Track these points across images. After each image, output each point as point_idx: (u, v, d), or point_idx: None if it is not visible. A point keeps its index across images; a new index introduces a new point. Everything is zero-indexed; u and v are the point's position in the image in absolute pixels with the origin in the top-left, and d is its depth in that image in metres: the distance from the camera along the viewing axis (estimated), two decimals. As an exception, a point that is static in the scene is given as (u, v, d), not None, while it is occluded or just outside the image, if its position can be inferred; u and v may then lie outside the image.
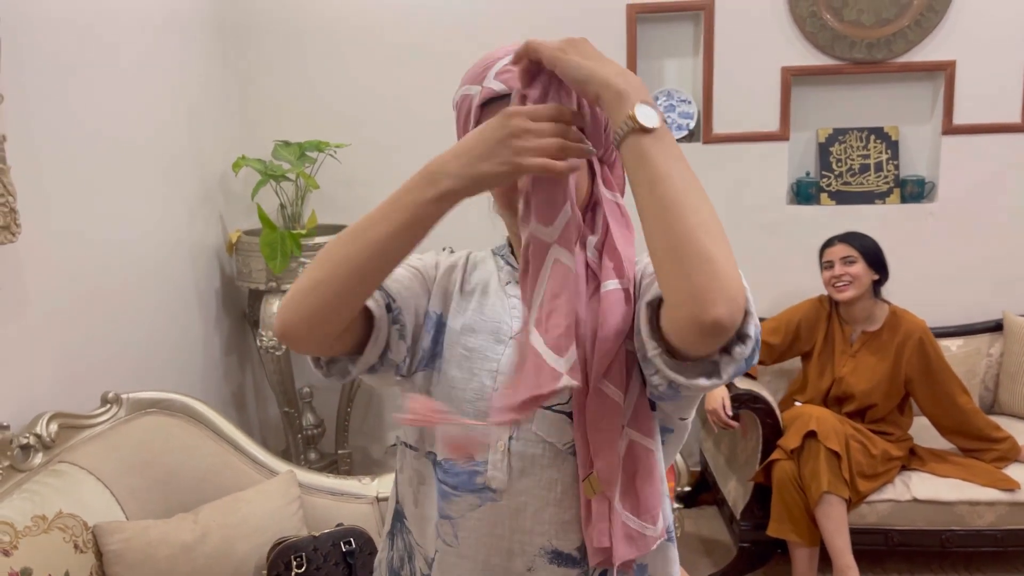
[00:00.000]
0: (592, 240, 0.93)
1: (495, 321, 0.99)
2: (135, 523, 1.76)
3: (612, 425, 0.89)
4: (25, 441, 1.71)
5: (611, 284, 0.90)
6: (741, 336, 0.78)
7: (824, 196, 3.08)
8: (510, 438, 0.96)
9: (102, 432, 1.88)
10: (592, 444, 0.89)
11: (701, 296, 0.72)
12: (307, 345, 0.88)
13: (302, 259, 2.69)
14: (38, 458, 1.73)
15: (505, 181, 0.82)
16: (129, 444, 1.90)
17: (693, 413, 1.00)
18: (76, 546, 1.62)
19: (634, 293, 0.91)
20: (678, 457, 2.54)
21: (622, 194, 0.98)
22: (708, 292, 0.72)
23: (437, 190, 0.81)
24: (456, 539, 0.98)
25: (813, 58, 2.96)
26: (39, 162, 1.86)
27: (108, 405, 1.94)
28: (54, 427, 1.77)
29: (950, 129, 2.98)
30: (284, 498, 1.94)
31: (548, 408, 0.92)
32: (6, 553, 1.45)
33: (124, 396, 1.97)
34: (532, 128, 0.79)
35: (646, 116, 0.76)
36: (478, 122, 0.93)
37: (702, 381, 0.81)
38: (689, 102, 3.05)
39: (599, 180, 0.96)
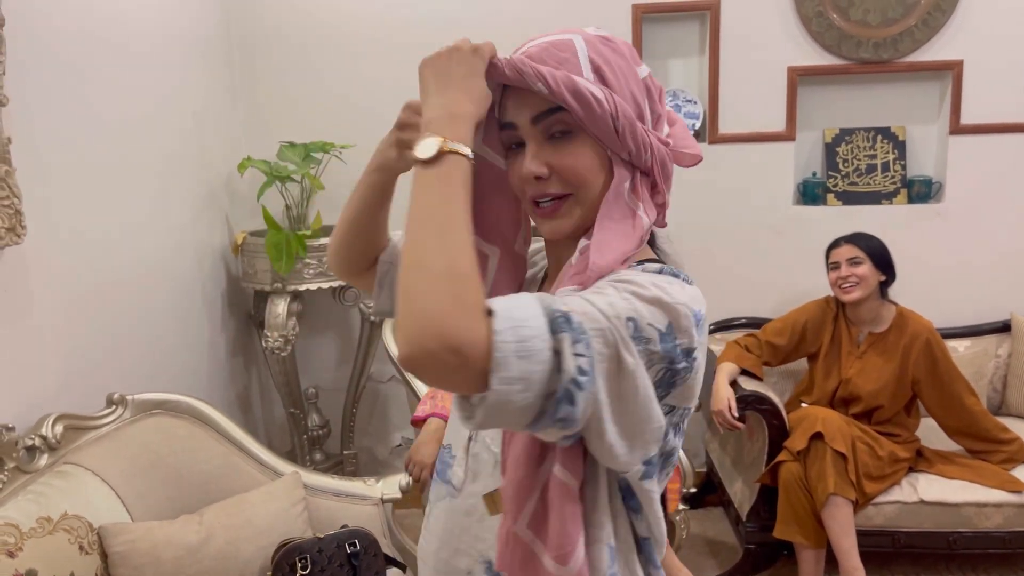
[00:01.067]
0: (582, 243, 0.86)
1: None
2: (140, 524, 1.76)
3: (523, 444, 0.83)
4: (30, 442, 1.72)
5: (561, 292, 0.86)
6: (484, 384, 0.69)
7: (831, 196, 3.07)
8: (469, 438, 0.97)
9: (107, 433, 1.89)
10: (504, 460, 0.87)
11: (396, 328, 0.70)
12: (340, 274, 1.19)
13: (307, 260, 2.69)
14: (43, 459, 1.73)
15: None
16: (134, 445, 1.90)
17: (640, 474, 0.84)
18: (81, 547, 1.62)
19: None
20: (684, 458, 2.53)
21: (657, 201, 0.91)
22: (398, 327, 0.69)
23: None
24: (428, 522, 1.03)
25: (819, 58, 2.95)
26: (44, 164, 1.87)
27: (113, 406, 1.94)
28: (59, 428, 1.77)
29: (957, 129, 2.97)
30: (289, 499, 1.94)
31: None
32: (11, 555, 1.45)
33: (129, 397, 1.97)
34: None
35: (422, 148, 0.77)
36: None
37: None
38: (695, 102, 3.04)
39: (618, 179, 0.86)
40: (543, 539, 0.82)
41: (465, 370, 0.67)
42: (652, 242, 0.98)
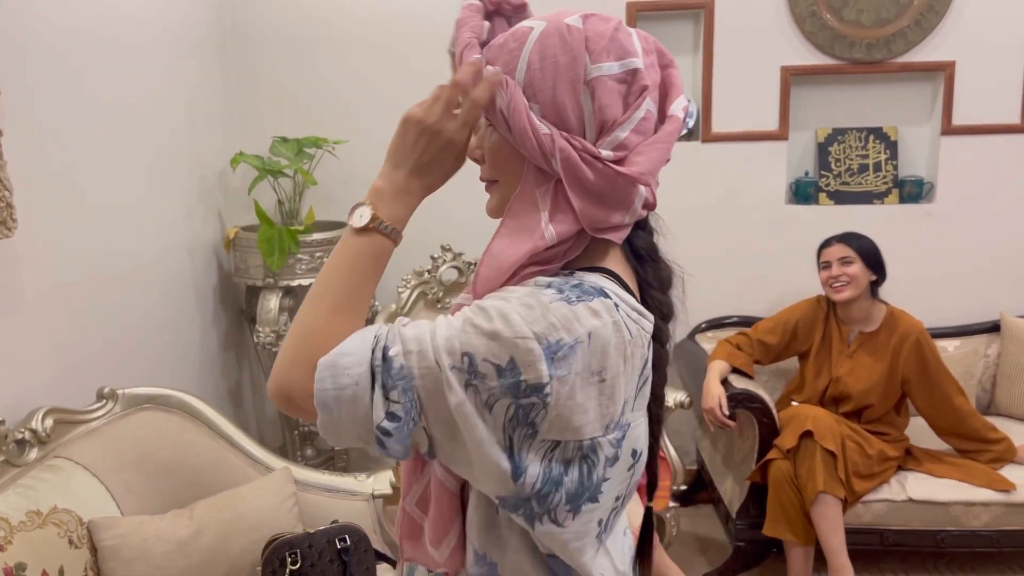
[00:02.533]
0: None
1: None
2: (130, 519, 1.76)
3: None
4: (20, 436, 1.71)
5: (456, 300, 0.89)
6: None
7: (823, 196, 3.08)
8: None
9: (98, 427, 1.88)
10: None
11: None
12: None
13: (300, 255, 2.68)
14: (33, 453, 1.73)
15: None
16: (125, 440, 1.90)
17: (487, 489, 0.81)
18: (71, 541, 1.62)
19: None
20: (674, 455, 2.55)
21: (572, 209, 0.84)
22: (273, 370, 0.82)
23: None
24: None
25: (813, 58, 2.96)
26: (36, 157, 1.86)
27: (104, 400, 1.94)
28: (49, 422, 1.76)
29: (949, 130, 2.98)
30: (279, 495, 1.94)
31: None
32: (1, 548, 1.45)
33: (120, 391, 1.97)
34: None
35: (356, 216, 0.85)
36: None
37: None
38: (689, 100, 3.04)
39: (529, 179, 0.85)
40: (424, 512, 0.90)
41: (302, 413, 0.80)
42: (633, 231, 0.90)
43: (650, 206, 0.90)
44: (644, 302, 0.87)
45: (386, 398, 0.75)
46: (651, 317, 0.85)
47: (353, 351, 0.77)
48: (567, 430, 0.77)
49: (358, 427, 0.76)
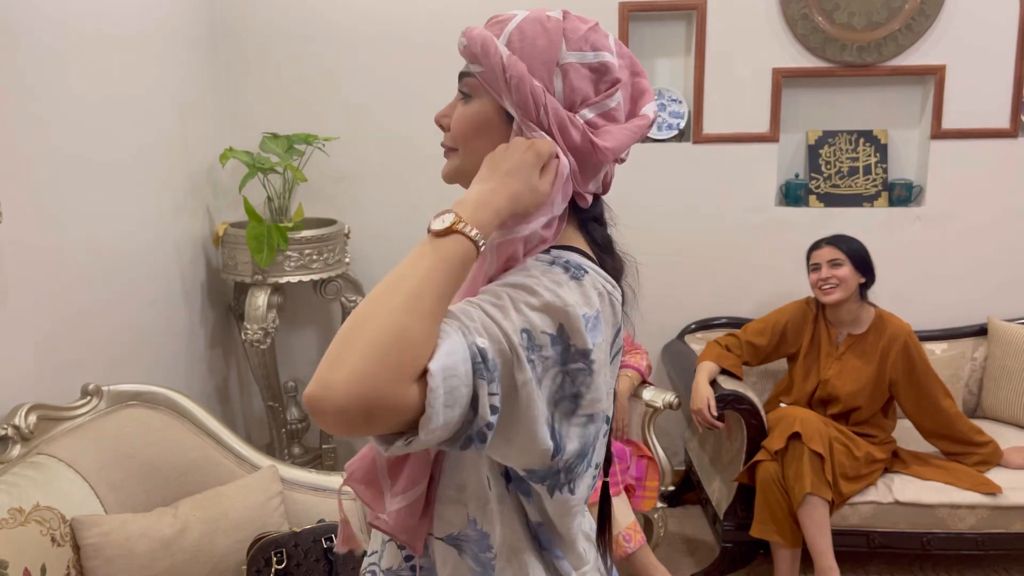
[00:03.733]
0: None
1: None
2: (114, 517, 1.74)
3: None
4: (3, 432, 1.69)
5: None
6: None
7: (813, 198, 3.08)
8: None
9: (82, 424, 1.87)
10: None
11: (322, 366, 0.71)
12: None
13: (288, 252, 2.67)
14: (16, 450, 1.71)
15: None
16: (109, 437, 1.88)
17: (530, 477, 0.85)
18: (53, 539, 1.60)
19: None
20: (662, 456, 2.55)
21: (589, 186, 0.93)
22: (324, 366, 0.70)
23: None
24: None
25: (804, 60, 2.96)
26: (23, 151, 1.84)
27: (88, 397, 1.92)
28: (33, 418, 1.75)
29: (939, 133, 2.99)
30: (266, 493, 1.93)
31: None
32: (-19, 546, 1.43)
33: (105, 388, 1.95)
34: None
35: (438, 221, 0.79)
36: None
37: None
38: (680, 101, 3.04)
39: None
40: (391, 474, 0.89)
41: (382, 425, 0.70)
42: (588, 224, 0.96)
43: (605, 187, 0.96)
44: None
45: (489, 393, 0.73)
46: (619, 288, 0.91)
47: (453, 350, 0.71)
48: (599, 401, 0.82)
49: (454, 428, 0.72)
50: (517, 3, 2.88)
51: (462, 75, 0.94)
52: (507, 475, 0.88)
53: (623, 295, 0.94)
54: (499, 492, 0.88)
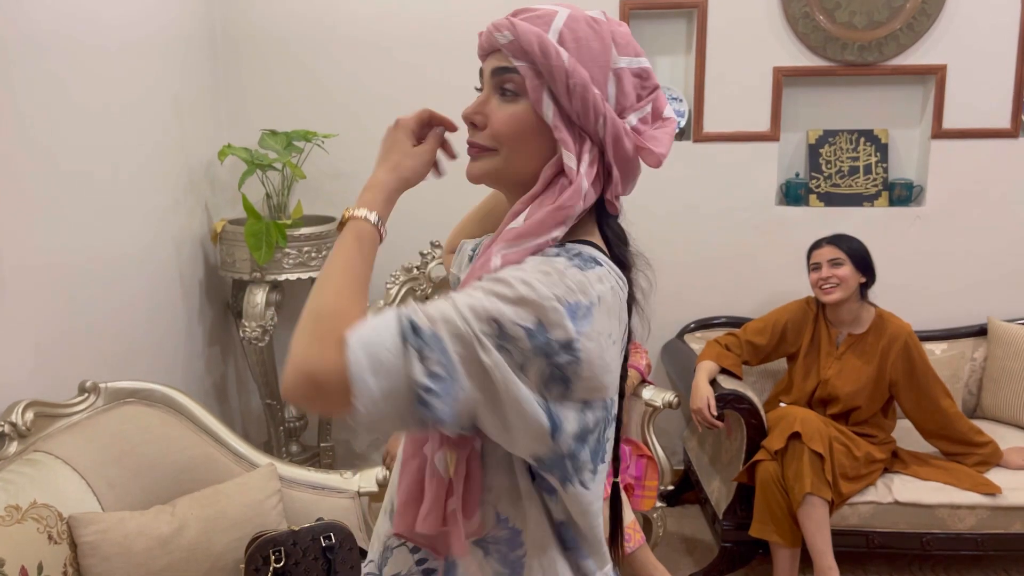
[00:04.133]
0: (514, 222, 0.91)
1: None
2: (111, 514, 1.73)
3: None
4: (0, 429, 1.68)
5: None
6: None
7: (813, 197, 3.08)
8: None
9: (79, 421, 1.86)
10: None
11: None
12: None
13: (287, 250, 2.66)
14: (13, 447, 1.70)
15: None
16: (107, 434, 1.87)
17: (546, 468, 0.86)
18: (50, 537, 1.59)
19: None
20: (662, 455, 2.54)
21: (615, 188, 0.93)
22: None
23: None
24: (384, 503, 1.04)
25: (805, 59, 2.96)
26: (20, 147, 1.83)
27: (86, 394, 1.91)
28: (30, 415, 1.74)
29: (939, 133, 2.99)
30: (264, 491, 1.92)
31: None
32: (-23, 543, 1.42)
33: (102, 385, 1.94)
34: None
35: (356, 209, 0.93)
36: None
37: None
38: (680, 100, 3.04)
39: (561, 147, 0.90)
40: (450, 487, 0.88)
41: (329, 397, 0.74)
42: (606, 221, 0.96)
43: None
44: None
45: (423, 363, 0.74)
46: (626, 284, 0.92)
47: (379, 324, 0.76)
48: (597, 389, 0.82)
49: (397, 399, 0.74)
50: (518, 4, 2.88)
51: (500, 70, 0.90)
52: (532, 473, 0.88)
53: (632, 291, 0.95)
54: (526, 488, 0.88)
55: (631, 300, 0.94)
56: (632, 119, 0.91)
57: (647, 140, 0.91)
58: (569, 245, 0.88)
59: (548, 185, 0.90)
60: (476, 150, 0.94)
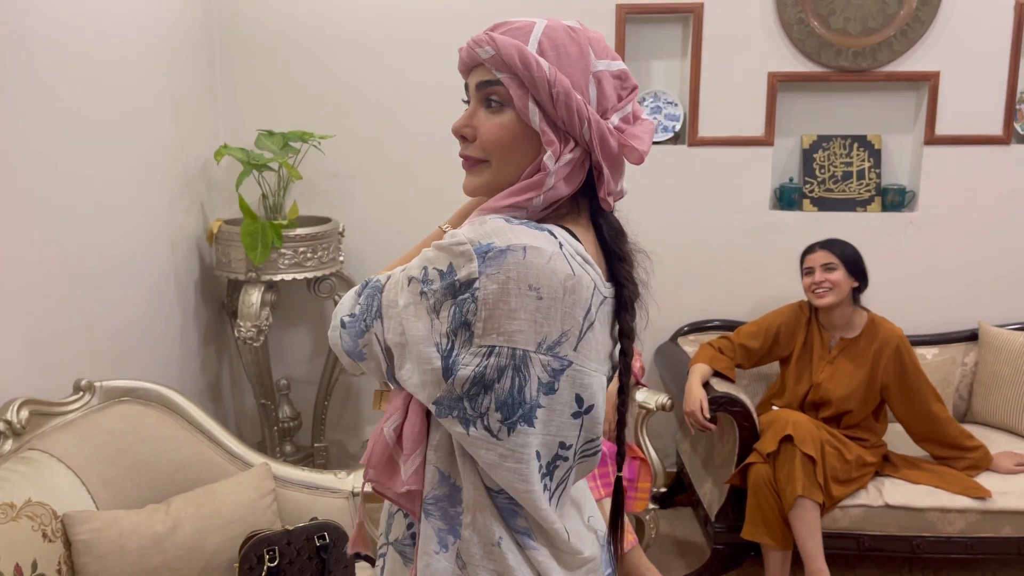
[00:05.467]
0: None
1: None
2: (105, 513, 1.74)
3: None
4: (-5, 427, 1.69)
5: None
6: None
7: (807, 202, 3.10)
8: None
9: (74, 420, 1.86)
10: None
11: None
12: None
13: (283, 250, 2.67)
14: (8, 445, 1.70)
15: None
16: (101, 432, 1.87)
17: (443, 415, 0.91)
18: (45, 535, 1.59)
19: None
20: (655, 457, 2.55)
21: (605, 188, 0.96)
22: None
23: None
24: None
25: (799, 64, 2.98)
26: (15, 146, 1.83)
27: (81, 392, 1.91)
28: (25, 413, 1.74)
29: (932, 139, 3.01)
30: (258, 491, 1.93)
31: None
32: (-28, 541, 1.42)
33: (97, 384, 1.95)
34: None
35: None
36: None
37: None
38: (676, 104, 3.05)
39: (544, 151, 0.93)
40: (400, 443, 0.97)
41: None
42: (602, 216, 0.99)
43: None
44: (615, 276, 0.96)
45: (353, 305, 0.95)
46: (599, 271, 0.93)
47: (359, 283, 0.96)
48: (500, 334, 0.84)
49: (335, 331, 0.97)
50: (511, 9, 2.89)
51: (485, 83, 0.94)
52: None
53: (635, 282, 0.98)
54: (460, 448, 0.92)
55: (625, 297, 0.96)
56: (615, 119, 0.95)
57: (630, 138, 0.95)
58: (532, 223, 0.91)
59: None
60: (469, 163, 0.98)
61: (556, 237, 0.88)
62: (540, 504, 0.91)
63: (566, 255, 0.87)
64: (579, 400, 0.91)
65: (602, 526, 1.09)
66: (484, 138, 0.95)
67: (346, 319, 0.95)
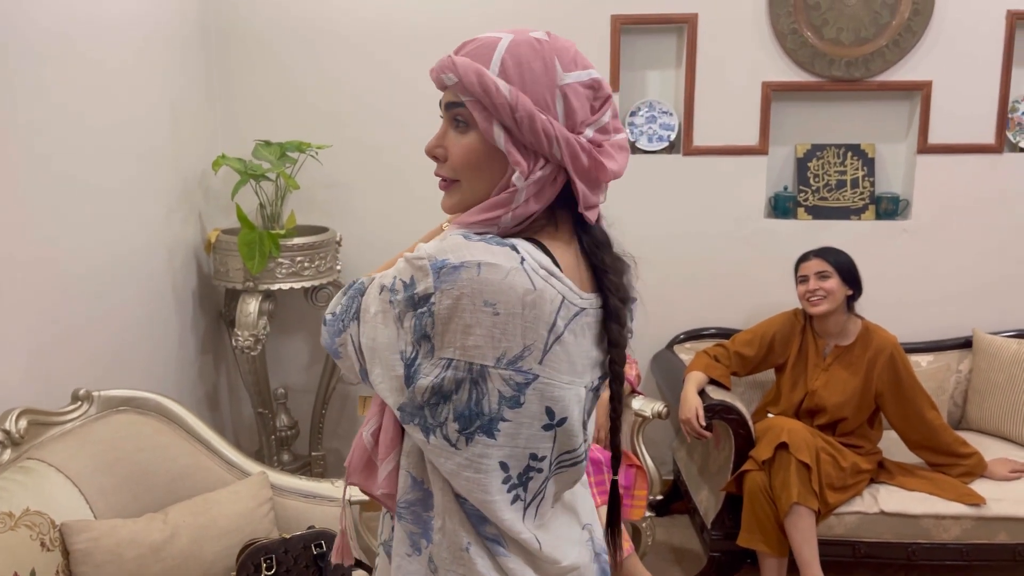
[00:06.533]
0: None
1: None
2: (103, 522, 1.74)
3: None
4: (-7, 437, 1.69)
5: None
6: None
7: (801, 211, 3.11)
8: None
9: (72, 429, 1.87)
10: None
11: None
12: None
13: (280, 260, 2.68)
14: (6, 455, 1.71)
15: None
16: (100, 442, 1.88)
17: (408, 422, 0.93)
18: (43, 544, 1.60)
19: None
20: (651, 465, 2.56)
21: (588, 202, 0.95)
22: None
23: None
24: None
25: (793, 74, 3.00)
26: (15, 155, 1.84)
27: (79, 402, 1.92)
28: (23, 423, 1.75)
29: (925, 148, 3.03)
30: (255, 499, 1.93)
31: None
32: (-29, 550, 1.43)
33: (95, 393, 1.95)
34: None
35: None
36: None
37: None
38: (670, 114, 3.07)
39: (511, 171, 0.93)
40: (377, 447, 1.00)
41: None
42: (584, 230, 0.98)
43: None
44: (601, 286, 0.95)
45: (340, 302, 0.97)
46: (568, 284, 0.91)
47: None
48: (457, 348, 0.86)
49: (320, 326, 0.97)
50: (509, 17, 2.90)
51: (451, 104, 0.94)
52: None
53: (626, 290, 0.97)
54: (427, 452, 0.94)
55: (611, 306, 0.95)
56: (588, 132, 0.93)
57: (603, 155, 0.93)
58: (493, 236, 0.91)
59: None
60: (444, 183, 0.99)
61: (519, 252, 0.88)
62: (502, 514, 0.92)
63: (527, 270, 0.87)
64: (550, 413, 0.91)
65: (600, 533, 1.10)
66: (453, 159, 0.95)
67: (328, 317, 0.99)
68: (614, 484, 1.05)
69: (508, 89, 0.89)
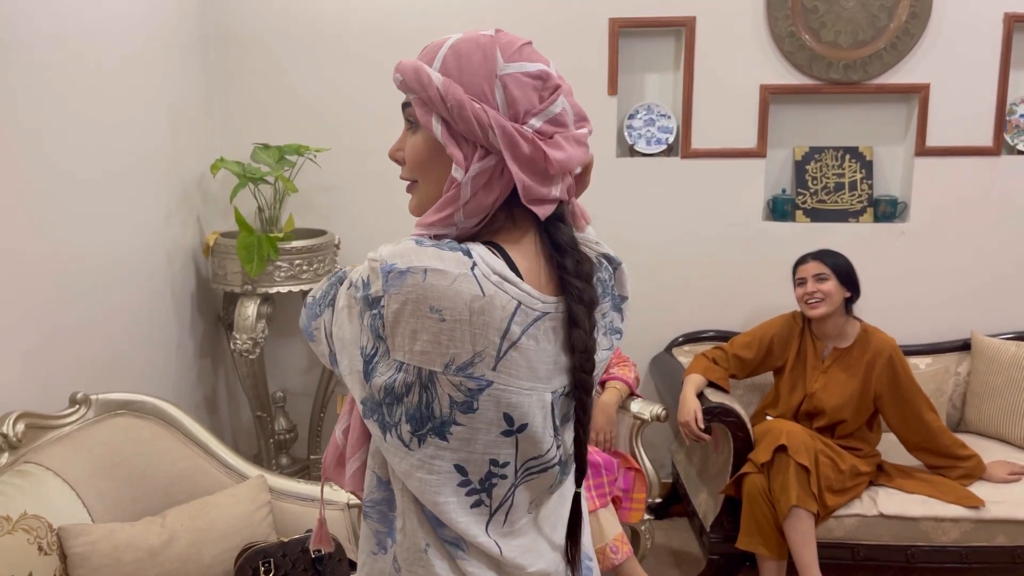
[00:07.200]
0: None
1: None
2: (101, 526, 1.74)
3: None
4: (-9, 440, 1.69)
5: None
6: None
7: (799, 213, 3.12)
8: None
9: (70, 433, 1.87)
10: None
11: None
12: None
13: (279, 263, 2.68)
14: (3, 458, 1.71)
15: None
16: (97, 445, 1.88)
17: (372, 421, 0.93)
18: (40, 548, 1.60)
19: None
20: (650, 468, 2.56)
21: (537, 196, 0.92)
22: None
23: None
24: None
25: (791, 77, 3.00)
26: (13, 157, 1.85)
27: (77, 406, 1.92)
28: (21, 427, 1.74)
29: (923, 151, 3.03)
30: (254, 503, 1.93)
31: None
32: (-32, 554, 1.43)
33: (93, 397, 1.95)
34: None
35: None
36: None
37: None
38: (669, 117, 3.08)
39: (454, 163, 0.92)
40: (347, 445, 1.02)
41: None
42: (548, 226, 0.95)
43: (570, 193, 0.97)
44: (565, 290, 0.92)
45: (322, 288, 1.01)
46: (526, 288, 0.89)
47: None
48: (406, 352, 0.86)
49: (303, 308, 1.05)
50: (506, 21, 2.91)
51: (404, 105, 0.96)
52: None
53: (592, 295, 0.93)
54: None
55: (573, 312, 0.92)
56: (535, 122, 0.91)
57: (550, 145, 0.91)
58: (448, 240, 0.91)
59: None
60: (408, 185, 1.00)
61: (471, 257, 0.87)
62: (455, 516, 0.91)
63: (477, 276, 0.85)
64: (508, 419, 0.89)
65: (588, 539, 1.07)
66: (407, 160, 0.97)
67: (308, 300, 1.02)
68: (576, 497, 1.01)
69: (440, 80, 0.90)
